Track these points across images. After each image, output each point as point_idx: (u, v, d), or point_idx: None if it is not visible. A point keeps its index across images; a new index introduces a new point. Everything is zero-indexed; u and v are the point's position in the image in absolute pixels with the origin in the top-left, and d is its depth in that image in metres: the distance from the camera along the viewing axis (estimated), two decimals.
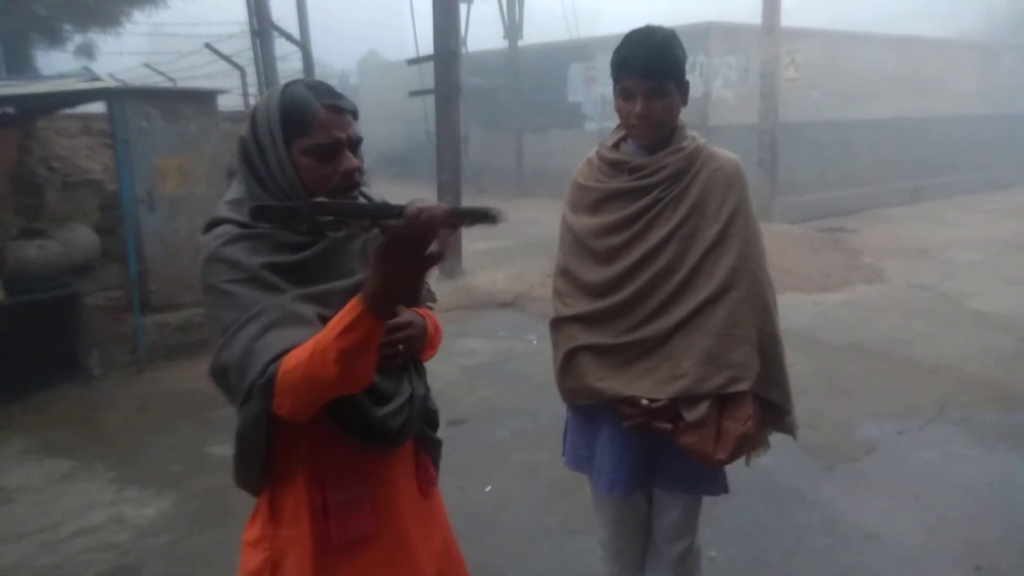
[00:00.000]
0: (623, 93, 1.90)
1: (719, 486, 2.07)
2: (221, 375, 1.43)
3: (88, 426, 4.73)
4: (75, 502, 3.74)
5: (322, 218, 1.16)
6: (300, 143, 1.43)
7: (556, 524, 3.41)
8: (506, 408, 4.78)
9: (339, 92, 1.48)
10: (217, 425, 4.58)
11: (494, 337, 6.28)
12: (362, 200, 1.57)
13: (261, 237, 1.43)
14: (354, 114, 1.50)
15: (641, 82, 1.85)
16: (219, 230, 1.46)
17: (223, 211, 1.50)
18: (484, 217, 1.21)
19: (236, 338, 1.36)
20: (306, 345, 1.30)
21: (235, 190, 1.53)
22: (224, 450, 4.22)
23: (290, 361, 1.30)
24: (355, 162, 1.47)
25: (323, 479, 1.50)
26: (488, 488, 3.76)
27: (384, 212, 1.19)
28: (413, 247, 1.19)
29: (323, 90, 1.46)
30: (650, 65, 1.83)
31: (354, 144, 1.48)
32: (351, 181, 1.47)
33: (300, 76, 10.52)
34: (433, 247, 1.20)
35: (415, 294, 1.31)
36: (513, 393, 5.03)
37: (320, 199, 1.17)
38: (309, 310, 1.40)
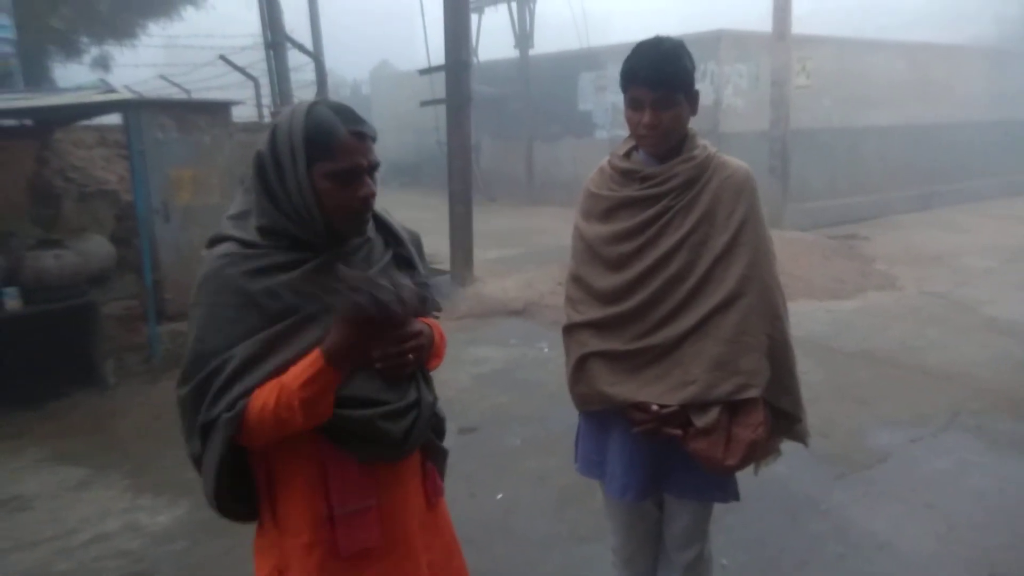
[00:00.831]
0: (632, 103, 1.92)
1: (729, 493, 2.08)
2: (190, 396, 1.47)
3: (103, 434, 4.77)
4: (90, 509, 3.78)
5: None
6: (322, 167, 1.44)
7: (566, 531, 3.42)
8: (517, 416, 4.79)
9: (361, 117, 1.50)
10: None
11: (505, 345, 6.30)
12: (380, 221, 1.66)
13: (263, 256, 1.45)
14: (374, 139, 1.52)
15: (649, 92, 1.87)
16: (221, 248, 1.48)
17: (227, 227, 1.51)
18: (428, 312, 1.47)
19: (218, 369, 1.43)
20: (271, 386, 1.40)
21: (240, 203, 1.54)
22: None
23: (257, 400, 1.40)
24: (373, 188, 1.50)
25: (328, 490, 1.51)
26: (499, 496, 3.76)
27: (358, 306, 1.33)
28: (378, 332, 1.40)
29: (348, 115, 1.47)
30: (657, 75, 1.85)
31: (372, 169, 1.51)
32: (367, 206, 1.50)
33: (313, 87, 10.66)
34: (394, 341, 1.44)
35: (368, 362, 1.47)
36: (524, 401, 5.04)
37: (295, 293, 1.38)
38: (286, 344, 1.45)
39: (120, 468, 4.22)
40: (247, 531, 3.60)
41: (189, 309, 1.48)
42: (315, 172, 1.44)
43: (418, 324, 1.56)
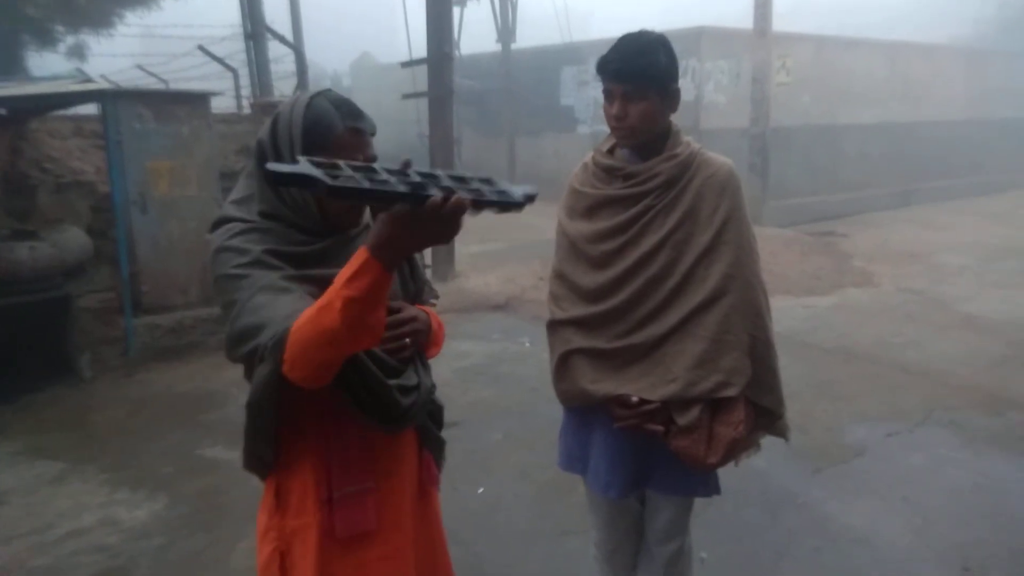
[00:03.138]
0: (605, 95, 1.93)
1: (711, 487, 2.10)
2: (235, 345, 1.42)
3: (79, 428, 4.71)
4: (66, 504, 3.73)
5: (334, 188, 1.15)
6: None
7: (549, 526, 3.42)
8: (499, 410, 4.79)
9: (361, 111, 1.51)
10: (208, 427, 4.58)
11: (487, 339, 6.29)
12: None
13: (267, 231, 1.47)
14: (373, 133, 1.53)
15: (618, 84, 1.87)
16: (225, 227, 1.49)
17: (230, 210, 1.53)
18: (510, 206, 1.25)
19: (245, 309, 1.38)
20: (314, 304, 1.31)
21: (241, 188, 1.56)
22: (215, 452, 4.23)
23: (299, 320, 1.31)
24: None
25: (329, 470, 1.53)
26: (481, 490, 3.77)
27: (404, 199, 1.19)
28: (431, 230, 1.23)
29: (347, 110, 1.48)
30: (626, 68, 1.85)
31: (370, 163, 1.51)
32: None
33: (293, 78, 10.56)
34: (445, 234, 1.24)
35: (419, 251, 1.35)
36: (506, 395, 5.04)
37: (338, 184, 1.15)
38: (309, 288, 1.43)
39: (97, 462, 4.18)
40: (226, 527, 3.58)
41: (213, 290, 1.47)
42: None
43: (414, 309, 1.58)
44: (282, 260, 1.45)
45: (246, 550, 3.19)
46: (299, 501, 1.54)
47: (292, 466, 1.55)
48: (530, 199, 1.29)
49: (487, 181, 1.30)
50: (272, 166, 1.18)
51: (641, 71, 1.85)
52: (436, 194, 1.19)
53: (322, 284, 1.42)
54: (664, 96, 1.89)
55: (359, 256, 1.26)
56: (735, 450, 1.93)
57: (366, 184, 1.16)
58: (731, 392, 1.89)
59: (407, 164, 1.24)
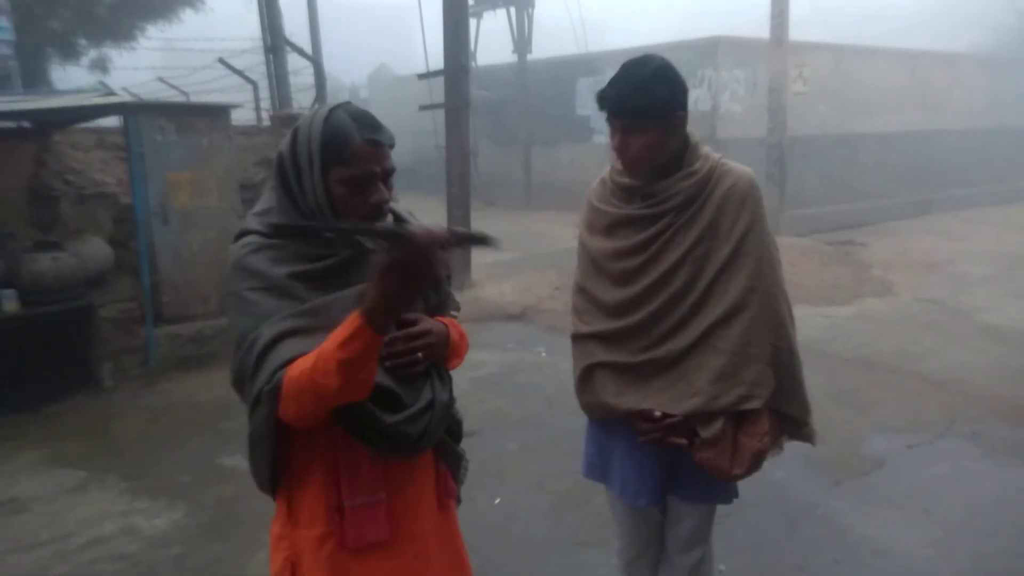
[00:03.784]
0: (608, 122, 1.93)
1: (731, 494, 2.10)
2: (236, 379, 1.50)
3: (100, 437, 4.77)
4: (87, 512, 3.77)
5: (328, 235, 1.25)
6: (336, 172, 1.47)
7: (565, 537, 3.42)
8: (515, 420, 4.80)
9: (379, 124, 1.53)
10: (228, 436, 4.62)
11: (503, 349, 6.30)
12: (400, 221, 1.64)
13: (285, 247, 1.49)
14: (391, 146, 1.55)
15: (616, 119, 1.88)
16: (246, 240, 1.52)
17: (252, 222, 1.55)
18: (481, 241, 1.32)
19: (250, 346, 1.43)
20: (310, 355, 1.37)
21: (264, 201, 1.58)
22: (235, 461, 4.25)
23: (295, 369, 1.37)
24: (385, 195, 1.52)
25: (339, 481, 1.53)
26: (497, 500, 3.77)
27: (383, 235, 1.28)
28: (411, 268, 1.27)
29: (365, 122, 1.50)
30: (622, 106, 1.86)
31: (387, 175, 1.53)
32: (379, 212, 1.53)
33: (312, 90, 10.66)
34: (430, 269, 1.28)
35: (412, 308, 1.41)
36: (522, 405, 5.04)
37: (316, 224, 1.26)
38: (318, 320, 1.45)
39: (117, 471, 4.22)
40: (244, 535, 3.60)
41: (227, 302, 1.54)
42: (330, 177, 1.48)
43: (428, 322, 1.57)
44: (296, 280, 1.46)
45: (264, 559, 3.20)
46: (310, 512, 1.55)
47: (303, 479, 1.56)
48: (494, 242, 1.36)
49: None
50: (272, 224, 1.42)
51: (639, 108, 1.84)
52: (415, 229, 1.28)
53: (326, 314, 1.45)
54: (668, 125, 1.87)
55: (352, 321, 1.32)
56: (759, 461, 1.93)
57: (345, 224, 1.33)
58: (754, 405, 1.89)
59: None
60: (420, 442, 1.56)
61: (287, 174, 1.51)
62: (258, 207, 1.58)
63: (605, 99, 1.88)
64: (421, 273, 1.28)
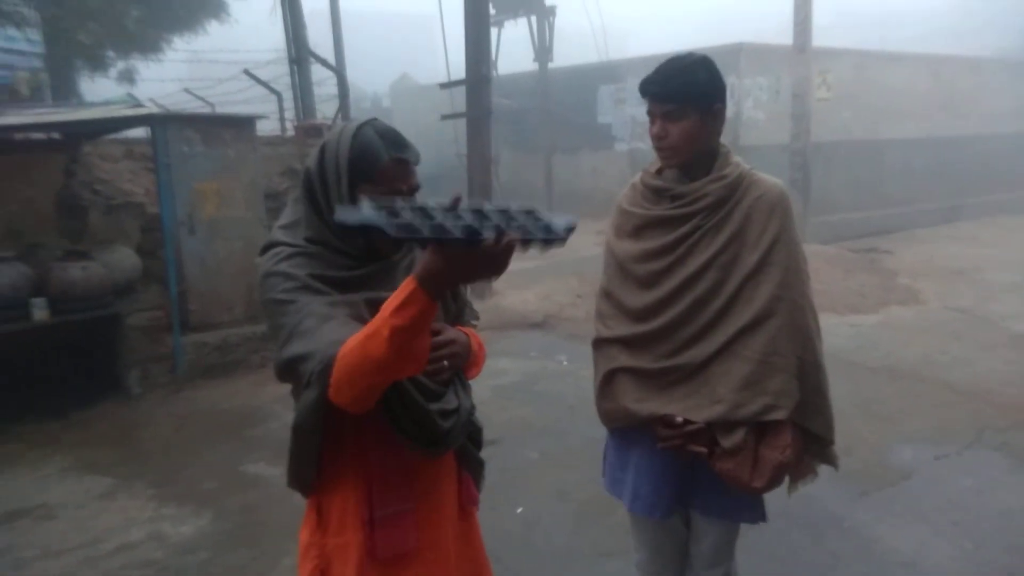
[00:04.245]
0: (649, 115, 1.95)
1: (757, 514, 2.06)
2: (284, 371, 1.48)
3: (128, 444, 4.83)
4: (115, 519, 3.82)
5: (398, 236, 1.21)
6: (363, 188, 1.50)
7: (587, 547, 3.41)
8: (537, 428, 4.79)
9: (406, 142, 1.55)
10: (253, 444, 4.66)
11: (524, 357, 6.30)
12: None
13: (312, 256, 1.51)
14: (417, 163, 1.57)
15: (656, 104, 1.90)
16: (275, 250, 1.54)
17: (278, 235, 1.58)
18: (554, 242, 1.30)
19: (293, 335, 1.43)
20: (358, 334, 1.34)
21: (289, 214, 1.61)
22: (259, 469, 4.29)
23: (345, 348, 1.35)
24: None
25: (370, 490, 1.55)
26: (519, 509, 3.77)
27: (459, 242, 1.23)
28: (480, 263, 1.27)
29: (392, 140, 1.53)
30: (663, 88, 1.88)
31: (412, 192, 1.55)
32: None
33: (335, 100, 10.77)
34: (499, 272, 1.29)
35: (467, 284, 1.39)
36: (544, 413, 5.04)
37: (401, 235, 1.20)
38: (354, 311, 1.47)
39: (144, 478, 4.27)
40: (269, 542, 3.63)
41: (264, 311, 1.53)
42: (357, 193, 1.50)
43: (452, 332, 1.60)
44: (327, 285, 1.48)
45: (288, 567, 3.23)
46: (339, 520, 1.57)
47: (334, 486, 1.57)
48: (571, 230, 1.33)
49: (530, 213, 1.33)
50: (340, 216, 1.24)
51: (679, 90, 1.86)
52: (489, 236, 1.23)
53: (367, 306, 1.46)
54: (706, 115, 1.90)
55: (407, 286, 1.28)
56: (781, 474, 1.91)
57: (425, 231, 1.21)
58: (778, 415, 1.87)
59: (457, 200, 1.27)
60: (445, 439, 1.58)
61: (315, 189, 1.54)
62: (283, 220, 1.60)
63: (649, 83, 1.90)
64: (484, 272, 1.28)
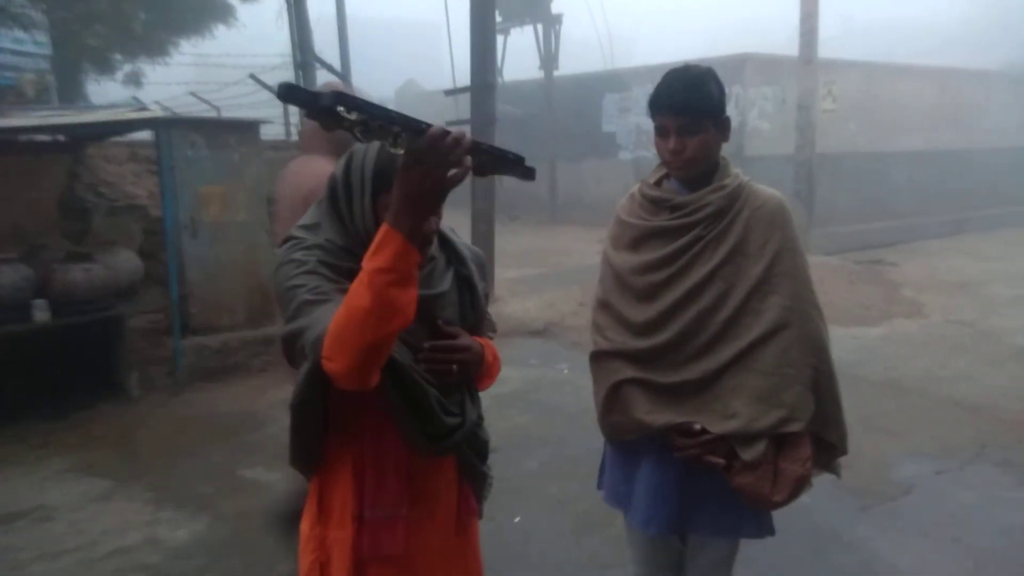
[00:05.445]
0: (659, 130, 1.92)
1: (765, 528, 2.02)
2: (287, 346, 1.51)
3: (126, 446, 4.82)
4: (112, 521, 3.81)
5: (346, 114, 1.20)
6: (386, 199, 1.48)
7: (585, 558, 3.39)
8: (536, 438, 4.77)
9: None
10: (251, 448, 4.65)
11: (525, 365, 6.28)
12: (444, 239, 1.69)
13: (329, 251, 1.54)
14: None
15: (672, 118, 1.87)
16: (292, 242, 1.58)
17: (296, 232, 1.61)
18: (511, 165, 1.33)
19: (299, 311, 1.46)
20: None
21: (311, 216, 1.63)
22: (256, 473, 4.28)
23: (335, 313, 1.37)
24: (433, 225, 1.56)
25: (363, 489, 1.56)
26: (517, 519, 3.74)
27: (409, 124, 1.26)
28: (432, 166, 1.27)
29: None
30: (680, 102, 1.85)
31: None
32: (427, 240, 1.56)
33: None
34: (453, 170, 1.29)
35: (434, 212, 1.41)
36: (543, 423, 5.02)
37: (346, 93, 1.21)
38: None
39: (142, 481, 4.26)
40: (264, 549, 3.60)
41: (278, 301, 1.56)
42: (380, 202, 1.52)
43: (468, 339, 1.62)
44: (338, 274, 1.51)
45: (284, 573, 3.21)
46: (340, 513, 1.58)
47: (336, 477, 1.59)
48: (528, 168, 1.36)
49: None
50: (283, 83, 1.24)
51: (696, 104, 1.85)
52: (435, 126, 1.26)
53: None
54: (718, 127, 1.90)
55: (380, 230, 1.32)
56: (801, 488, 1.88)
57: (377, 113, 1.23)
58: (795, 428, 1.84)
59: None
60: (446, 440, 1.58)
61: (338, 196, 1.57)
62: (305, 219, 1.63)
63: (662, 97, 1.88)
64: (437, 168, 1.27)
